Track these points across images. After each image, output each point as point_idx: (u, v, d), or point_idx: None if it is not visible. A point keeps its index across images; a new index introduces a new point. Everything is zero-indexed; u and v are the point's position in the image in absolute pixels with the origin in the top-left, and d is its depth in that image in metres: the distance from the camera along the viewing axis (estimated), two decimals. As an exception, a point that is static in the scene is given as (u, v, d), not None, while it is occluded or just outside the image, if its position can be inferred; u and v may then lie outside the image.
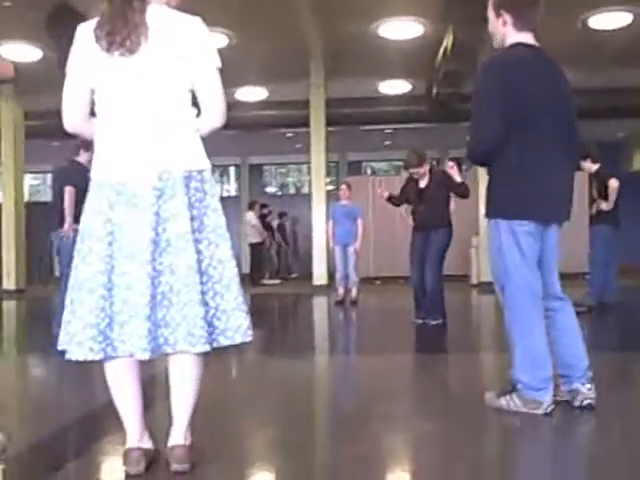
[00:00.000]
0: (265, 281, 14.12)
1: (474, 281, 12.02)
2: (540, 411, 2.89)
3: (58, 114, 2.31)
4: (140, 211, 2.16)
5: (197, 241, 2.21)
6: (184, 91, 2.26)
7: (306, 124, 12.54)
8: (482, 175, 3.13)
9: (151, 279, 2.13)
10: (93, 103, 2.29)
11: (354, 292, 8.96)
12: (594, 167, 7.09)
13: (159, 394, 3.02)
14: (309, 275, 12.75)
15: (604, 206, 6.96)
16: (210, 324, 2.20)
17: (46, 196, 21.24)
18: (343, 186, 9.12)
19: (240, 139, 15.91)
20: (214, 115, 2.30)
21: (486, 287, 8.80)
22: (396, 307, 9.23)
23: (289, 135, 16.07)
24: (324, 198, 12.26)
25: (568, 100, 3.08)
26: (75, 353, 2.17)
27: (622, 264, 7.83)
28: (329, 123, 12.56)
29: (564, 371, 3.00)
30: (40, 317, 8.80)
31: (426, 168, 6.36)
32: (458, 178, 5.94)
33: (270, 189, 21.52)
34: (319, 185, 12.45)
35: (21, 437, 2.76)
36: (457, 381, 4.06)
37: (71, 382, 4.21)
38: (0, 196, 13.58)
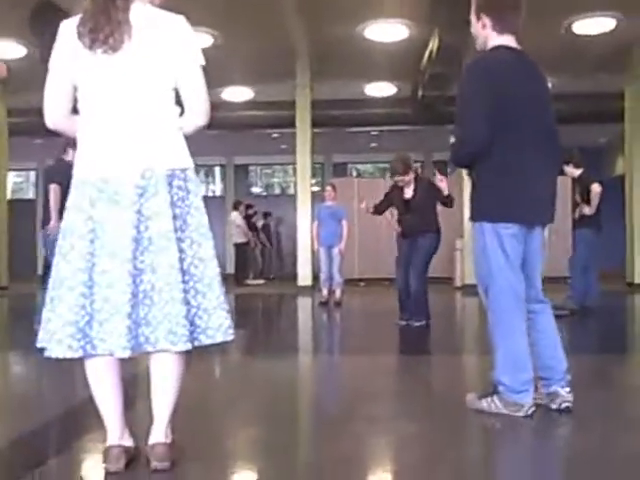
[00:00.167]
0: (249, 281, 14.09)
1: (458, 283, 12.07)
2: (521, 413, 2.91)
3: (41, 111, 2.30)
4: (122, 209, 2.15)
5: (180, 240, 2.20)
6: (167, 89, 2.25)
7: (292, 125, 12.54)
8: (467, 178, 3.15)
9: (132, 277, 2.13)
10: (76, 100, 2.28)
11: (338, 293, 8.97)
12: (577, 172, 7.16)
13: (141, 392, 3.01)
14: (290, 276, 12.75)
15: (587, 210, 7.03)
16: (192, 323, 2.20)
17: (29, 194, 21.10)
18: (328, 187, 9.15)
19: (226, 139, 15.90)
20: (198, 114, 2.30)
21: (470, 289, 8.85)
22: (380, 309, 9.25)
23: (275, 136, 16.06)
24: (309, 199, 12.27)
25: (548, 103, 3.11)
26: (54, 351, 2.16)
27: (603, 269, 7.90)
28: (315, 124, 12.57)
29: (544, 373, 3.02)
30: (22, 314, 8.73)
31: (411, 176, 6.36)
32: (446, 191, 6.03)
33: (255, 189, 21.49)
34: (304, 186, 12.45)
35: (1, 433, 2.74)
36: (440, 383, 4.07)
37: (52, 379, 4.18)
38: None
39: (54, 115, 2.30)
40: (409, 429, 2.84)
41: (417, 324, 6.30)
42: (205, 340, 2.24)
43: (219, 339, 2.25)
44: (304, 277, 12.26)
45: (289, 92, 12.40)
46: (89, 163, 2.22)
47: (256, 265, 15.13)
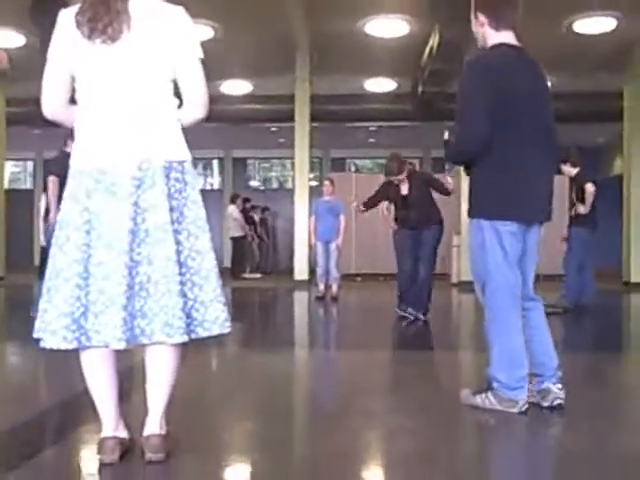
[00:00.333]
0: (246, 275, 14.09)
1: (454, 280, 12.08)
2: (515, 410, 2.92)
3: (40, 101, 2.29)
4: (119, 200, 2.15)
5: (176, 232, 2.20)
6: (166, 81, 2.25)
7: (290, 119, 12.52)
8: (464, 175, 3.17)
9: (128, 269, 2.12)
10: (74, 90, 2.27)
11: (335, 288, 8.97)
12: (574, 171, 7.18)
13: (136, 384, 3.01)
14: (287, 270, 12.74)
15: (581, 209, 7.08)
16: (188, 315, 2.20)
17: (26, 184, 21.06)
18: (326, 182, 9.13)
19: (224, 132, 15.87)
20: (196, 106, 2.30)
21: (466, 286, 8.86)
22: (376, 304, 9.27)
23: (273, 129, 16.05)
24: (307, 193, 12.26)
25: (548, 102, 3.11)
26: (49, 341, 2.15)
27: (601, 268, 7.92)
28: (314, 119, 12.56)
29: (535, 370, 3.02)
30: (19, 305, 8.72)
31: (405, 174, 6.41)
32: (450, 189, 6.36)
33: (253, 183, 21.47)
34: (302, 180, 12.45)
35: (-4, 424, 2.74)
36: (435, 378, 4.08)
37: (49, 370, 4.19)
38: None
39: (52, 105, 2.29)
40: (404, 424, 2.85)
41: (414, 315, 6.36)
42: (202, 332, 2.24)
43: (216, 332, 2.25)
44: (301, 271, 12.26)
45: (288, 86, 12.38)
46: (86, 153, 2.22)
47: (253, 259, 15.12)
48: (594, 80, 12.33)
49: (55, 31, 2.24)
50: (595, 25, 10.25)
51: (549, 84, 3.18)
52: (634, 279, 11.66)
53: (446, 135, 3.22)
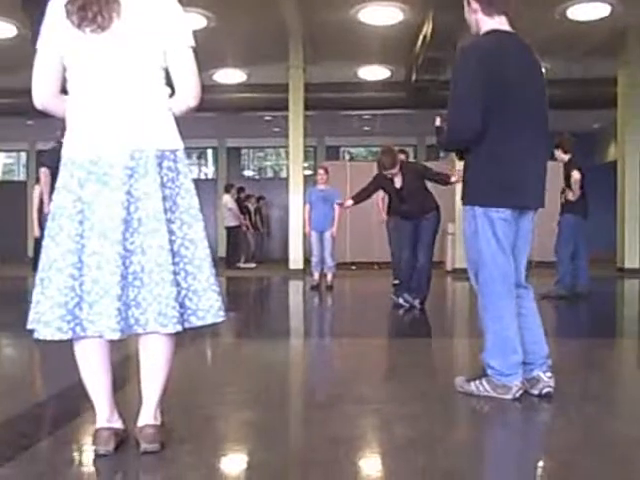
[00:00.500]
0: (241, 264, 14.09)
1: (449, 267, 12.11)
2: (509, 396, 2.93)
3: (31, 92, 2.27)
4: (111, 190, 2.14)
5: (170, 221, 2.19)
6: (157, 69, 2.23)
7: (285, 108, 12.48)
8: (459, 162, 3.19)
9: (122, 259, 2.12)
10: (65, 80, 2.25)
11: (330, 277, 8.97)
12: (565, 157, 7.18)
13: (130, 374, 3.01)
14: (281, 260, 12.73)
15: (570, 196, 7.10)
16: (182, 305, 2.19)
17: (20, 175, 20.98)
18: (321, 170, 9.10)
19: (218, 122, 15.84)
20: (188, 95, 2.27)
21: (461, 273, 8.87)
22: (371, 292, 9.29)
23: (267, 118, 16.00)
24: (302, 182, 12.24)
25: (542, 88, 3.10)
26: (43, 332, 2.15)
27: (596, 253, 7.93)
28: (308, 107, 12.52)
29: (526, 358, 3.01)
30: (12, 296, 8.70)
31: (398, 167, 6.40)
32: (454, 180, 6.28)
33: (248, 172, 21.42)
34: (297, 169, 12.42)
35: (-9, 416, 2.74)
36: (430, 365, 4.09)
37: (43, 361, 4.18)
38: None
39: (42, 95, 2.27)
40: (399, 411, 2.85)
41: (410, 301, 6.38)
42: (195, 322, 2.24)
43: (209, 320, 2.25)
44: (295, 260, 12.26)
45: (282, 74, 12.33)
46: (78, 143, 2.20)
47: (248, 249, 15.11)
48: (588, 66, 12.32)
49: (44, 20, 2.21)
50: (589, 11, 10.23)
51: (543, 70, 3.17)
52: (628, 265, 11.70)
53: (437, 122, 3.21)
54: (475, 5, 3.04)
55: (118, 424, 2.28)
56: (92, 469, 2.20)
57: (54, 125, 5.96)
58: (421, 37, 10.57)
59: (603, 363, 4.06)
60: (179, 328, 2.17)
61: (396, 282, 7.02)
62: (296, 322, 6.81)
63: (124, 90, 2.19)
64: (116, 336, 2.10)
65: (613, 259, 12.13)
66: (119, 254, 2.11)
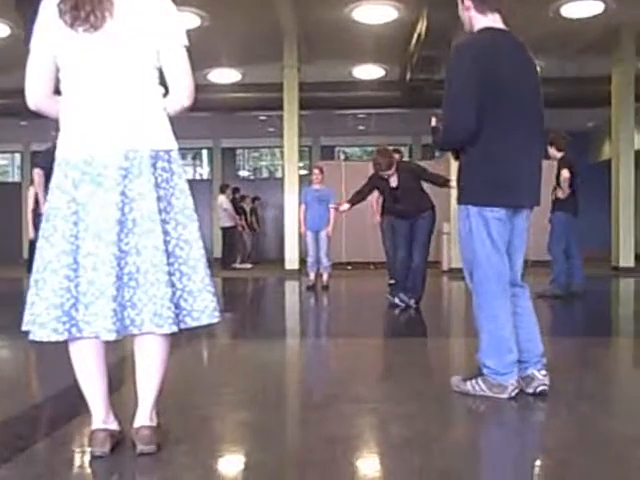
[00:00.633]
0: (237, 265, 14.07)
1: (445, 267, 12.12)
2: (505, 395, 2.93)
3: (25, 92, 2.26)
4: (106, 191, 2.13)
5: (164, 222, 2.18)
6: (151, 68, 2.23)
7: (279, 107, 12.46)
8: (453, 161, 3.20)
9: (117, 260, 2.11)
10: (58, 81, 2.24)
11: (325, 277, 8.97)
12: (558, 155, 7.18)
13: (126, 375, 3.01)
14: (277, 260, 12.71)
15: (560, 194, 7.10)
16: (177, 305, 2.19)
17: (14, 176, 20.91)
18: (315, 170, 9.07)
19: (213, 122, 15.81)
20: (182, 94, 2.27)
21: (456, 273, 8.88)
22: (367, 292, 9.29)
23: (262, 118, 15.98)
24: (297, 182, 12.23)
25: (537, 85, 3.10)
26: (38, 334, 2.14)
27: (591, 252, 7.93)
28: (302, 107, 12.51)
29: (520, 356, 3.02)
30: (7, 298, 8.67)
31: (394, 168, 6.40)
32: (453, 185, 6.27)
33: (243, 173, 21.40)
34: (292, 169, 12.40)
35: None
36: (426, 365, 4.09)
37: (38, 363, 4.17)
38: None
39: (36, 96, 2.26)
40: (395, 411, 2.85)
41: (405, 301, 6.37)
42: (191, 322, 2.23)
43: (205, 321, 2.25)
44: (291, 261, 12.25)
45: (276, 74, 12.32)
46: (72, 144, 2.19)
47: (244, 249, 15.10)
48: (582, 64, 12.33)
49: (37, 20, 2.21)
50: (583, 8, 10.24)
51: (538, 68, 3.17)
52: (623, 264, 11.71)
53: (433, 122, 3.21)
54: (468, 3, 3.04)
55: (114, 425, 2.27)
56: (88, 471, 2.19)
57: (48, 126, 5.98)
58: (415, 35, 10.57)
59: (598, 362, 4.07)
60: (174, 329, 2.16)
61: (392, 282, 7.03)
62: (292, 322, 6.81)
63: (118, 90, 2.18)
64: (112, 337, 2.10)
65: (608, 258, 12.14)
66: (114, 255, 2.11)
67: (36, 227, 6.08)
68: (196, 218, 2.26)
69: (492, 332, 2.97)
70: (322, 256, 8.86)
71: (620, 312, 7.51)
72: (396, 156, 6.74)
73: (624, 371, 4.03)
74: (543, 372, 3.02)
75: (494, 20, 3.02)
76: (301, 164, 15.22)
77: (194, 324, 2.24)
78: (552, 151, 7.17)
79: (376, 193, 7.14)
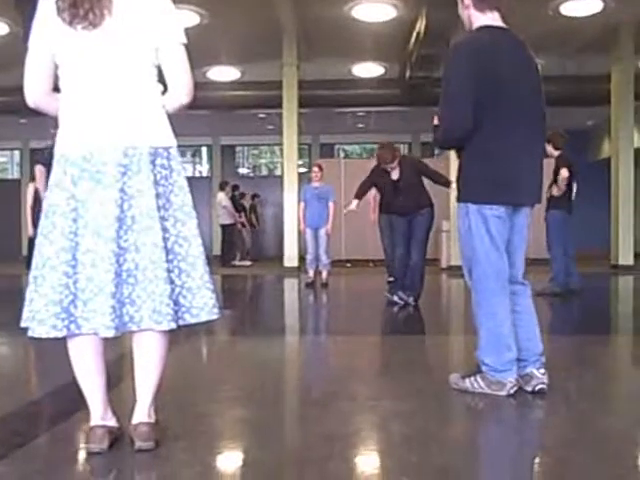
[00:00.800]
0: (236, 262, 14.08)
1: (444, 265, 12.13)
2: (503, 392, 2.93)
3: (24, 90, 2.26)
4: (104, 188, 2.13)
5: (163, 219, 2.18)
6: (149, 66, 2.23)
7: (279, 105, 12.45)
8: (454, 159, 3.20)
9: (116, 256, 2.11)
10: (57, 78, 2.24)
11: (325, 274, 8.97)
12: (555, 153, 7.18)
13: (125, 372, 3.01)
14: (276, 257, 12.71)
15: (555, 191, 7.10)
16: (176, 302, 2.19)
17: (13, 173, 20.90)
18: (315, 168, 9.08)
19: (212, 119, 15.79)
20: (180, 92, 2.27)
21: (455, 271, 8.89)
22: (366, 289, 9.29)
23: (261, 116, 15.98)
24: (296, 180, 12.23)
25: (538, 83, 3.10)
26: (37, 330, 2.14)
27: (591, 250, 7.93)
28: (302, 105, 12.50)
29: (519, 355, 3.02)
30: (6, 295, 8.67)
31: (397, 161, 6.41)
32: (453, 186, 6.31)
33: (242, 170, 21.38)
34: (291, 167, 12.39)
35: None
36: (425, 362, 4.10)
37: (37, 360, 4.17)
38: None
39: (34, 93, 2.26)
40: (394, 408, 2.86)
41: (405, 298, 6.37)
42: (190, 319, 2.23)
43: (204, 318, 2.25)
44: (290, 258, 12.25)
45: (276, 72, 12.31)
46: (70, 141, 2.19)
47: (243, 246, 15.10)
48: (582, 63, 12.32)
49: (35, 18, 2.21)
50: (582, 7, 10.23)
51: (539, 66, 3.17)
52: (622, 262, 11.71)
53: (436, 120, 3.21)
54: (467, 1, 3.04)
55: (112, 422, 2.27)
56: (86, 467, 2.20)
57: (47, 123, 5.98)
58: (415, 34, 10.56)
59: (597, 359, 4.07)
60: (173, 325, 2.16)
61: (391, 279, 7.03)
62: (291, 319, 6.81)
63: (116, 87, 2.18)
64: (110, 334, 2.10)
65: (607, 256, 12.15)
66: (113, 252, 2.11)
67: (35, 224, 6.09)
68: (195, 215, 2.26)
69: (491, 329, 2.98)
70: (321, 253, 8.86)
71: (619, 310, 7.51)
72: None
73: (623, 369, 4.03)
74: (542, 371, 3.02)
75: (493, 18, 3.02)
76: (300, 162, 15.22)
77: (193, 321, 2.24)
78: (549, 149, 7.17)
79: (373, 191, 7.13)
